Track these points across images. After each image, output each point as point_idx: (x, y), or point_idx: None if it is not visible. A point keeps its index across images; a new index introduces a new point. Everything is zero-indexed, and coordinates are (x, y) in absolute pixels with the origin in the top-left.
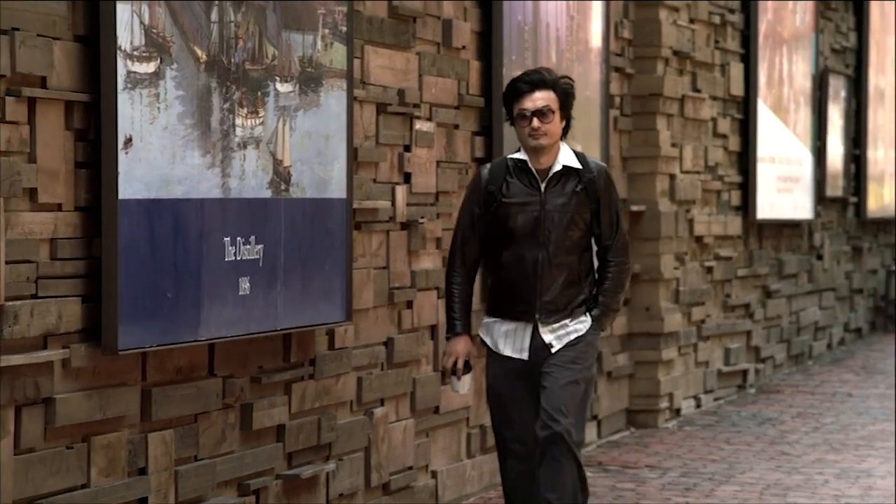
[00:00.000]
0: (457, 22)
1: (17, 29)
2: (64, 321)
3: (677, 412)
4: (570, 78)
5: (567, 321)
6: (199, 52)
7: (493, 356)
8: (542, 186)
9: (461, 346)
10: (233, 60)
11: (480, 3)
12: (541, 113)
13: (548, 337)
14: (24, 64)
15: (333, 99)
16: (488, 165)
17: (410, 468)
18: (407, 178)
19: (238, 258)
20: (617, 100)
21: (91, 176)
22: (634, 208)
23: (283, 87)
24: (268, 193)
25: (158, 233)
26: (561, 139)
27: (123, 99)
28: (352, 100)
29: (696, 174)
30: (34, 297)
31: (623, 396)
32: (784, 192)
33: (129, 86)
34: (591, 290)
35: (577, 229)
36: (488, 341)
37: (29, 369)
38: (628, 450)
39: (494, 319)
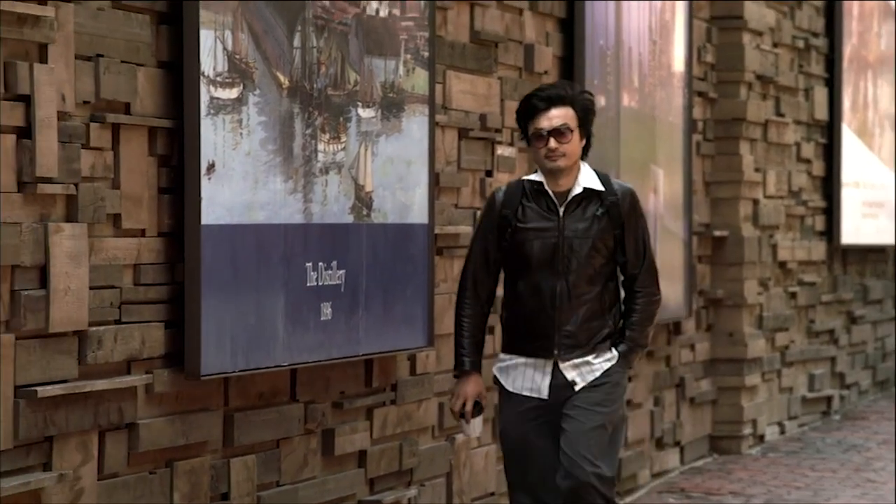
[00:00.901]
0: (539, 47)
1: (102, 55)
2: (147, 346)
3: (761, 438)
4: (589, 93)
5: (590, 357)
6: (281, 77)
7: (507, 396)
8: (561, 210)
9: (471, 386)
10: (315, 86)
11: (563, 27)
12: (558, 132)
13: (570, 374)
14: (109, 90)
15: (415, 124)
16: (503, 188)
17: (492, 494)
18: None
19: (320, 283)
20: (700, 124)
21: (174, 201)
22: (717, 233)
23: (365, 113)
24: (350, 219)
25: (241, 258)
26: (581, 159)
27: (206, 125)
28: (434, 125)
29: (780, 199)
30: (118, 322)
31: (706, 422)
32: (869, 217)
33: (212, 111)
34: (616, 324)
35: (599, 257)
36: (502, 380)
37: (112, 394)
38: (711, 476)
39: (509, 356)
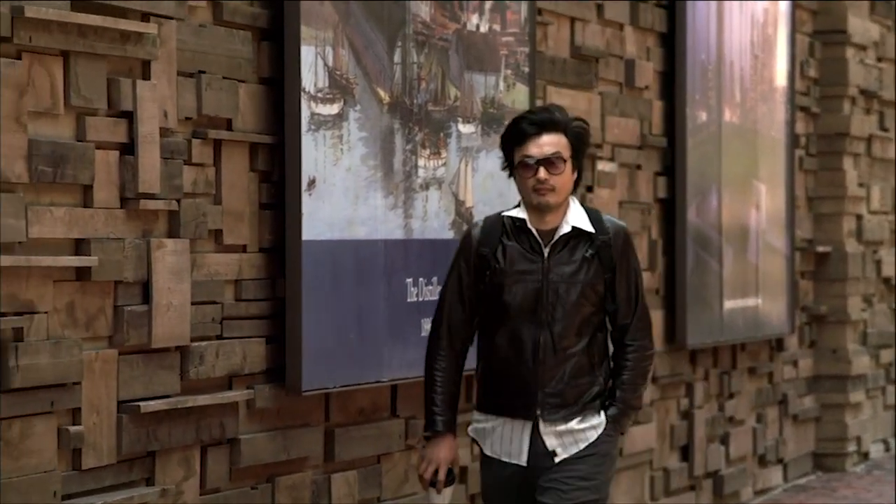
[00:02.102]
0: (639, 62)
1: (204, 72)
2: (248, 362)
3: (865, 456)
4: (584, 121)
5: (576, 422)
6: (382, 93)
7: (486, 459)
8: (546, 252)
9: (444, 450)
10: (415, 102)
11: (663, 42)
12: (549, 162)
13: (551, 441)
14: (210, 106)
15: None
16: (480, 223)
17: None
18: None
19: (420, 299)
20: (802, 139)
21: (275, 217)
22: (820, 249)
23: (465, 128)
24: (450, 234)
25: (341, 274)
26: (570, 194)
27: (307, 140)
28: None
29: (884, 214)
30: (219, 337)
31: (809, 440)
32: None
33: (312, 127)
34: (607, 382)
35: (588, 304)
36: (480, 442)
37: (214, 410)
38: (815, 494)
39: (485, 417)
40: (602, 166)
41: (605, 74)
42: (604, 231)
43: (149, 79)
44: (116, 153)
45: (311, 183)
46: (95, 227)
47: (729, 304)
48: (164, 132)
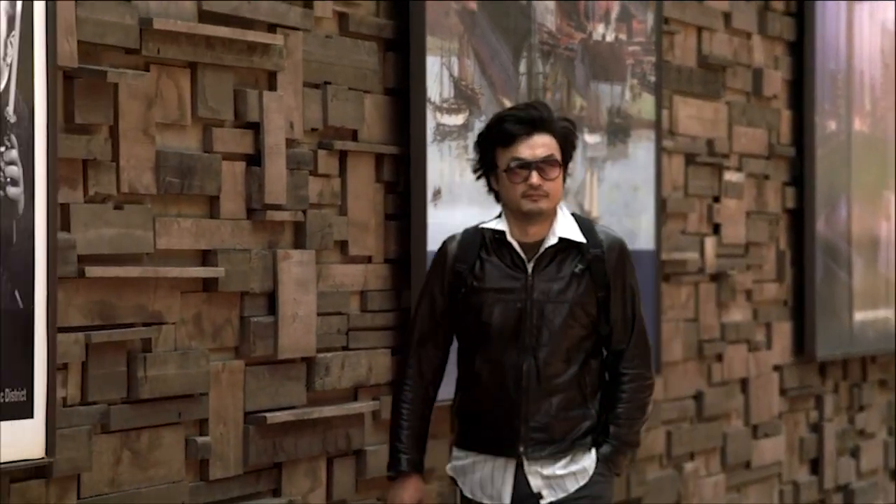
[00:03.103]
0: (767, 71)
1: (329, 83)
2: (374, 373)
3: None
4: (570, 120)
5: (563, 463)
6: (507, 103)
7: (465, 502)
8: (530, 267)
9: (408, 492)
10: None
11: (792, 51)
12: (543, 165)
13: (536, 482)
14: (336, 117)
15: (642, 150)
16: (456, 237)
17: None
18: (716, 229)
19: None
20: None
21: (400, 228)
22: None
23: (591, 138)
24: None
25: None
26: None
27: (433, 151)
28: (660, 150)
29: None
30: (345, 348)
31: None
32: None
33: (438, 138)
34: (600, 415)
35: (578, 326)
36: (459, 482)
37: (340, 421)
38: None
39: (465, 453)
40: (729, 176)
41: (733, 83)
42: (596, 243)
43: (275, 90)
44: (243, 164)
45: (437, 193)
46: (222, 238)
47: (859, 316)
48: (291, 143)
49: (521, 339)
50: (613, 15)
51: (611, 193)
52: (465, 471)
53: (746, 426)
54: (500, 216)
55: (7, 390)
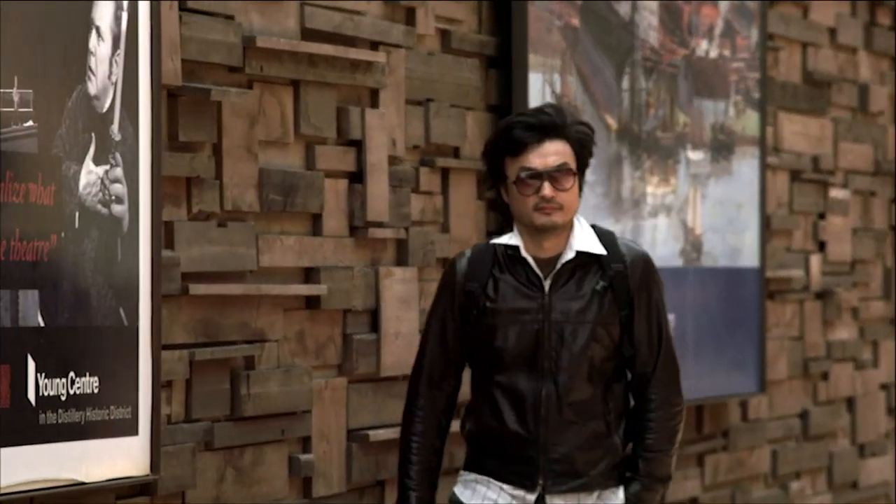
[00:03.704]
0: (873, 86)
1: (431, 100)
2: None
3: None
4: (587, 124)
5: (589, 499)
6: (609, 120)
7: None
8: (546, 285)
9: None
10: (643, 128)
11: None
12: (556, 175)
13: None
14: (438, 134)
15: (746, 166)
16: (466, 254)
17: None
18: (821, 246)
19: None
20: None
21: None
22: None
23: (694, 155)
24: (679, 262)
25: None
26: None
27: None
28: (765, 167)
29: None
30: None
31: None
32: None
33: None
34: (626, 445)
35: (600, 348)
36: (459, 496)
37: None
38: None
39: (475, 477)
40: (835, 193)
41: (838, 99)
42: (618, 258)
43: (377, 107)
44: (345, 182)
45: None
46: (325, 255)
47: None
48: (393, 160)
49: (538, 363)
50: (717, 31)
51: (714, 210)
52: (475, 496)
53: (853, 445)
54: (512, 232)
55: (112, 407)
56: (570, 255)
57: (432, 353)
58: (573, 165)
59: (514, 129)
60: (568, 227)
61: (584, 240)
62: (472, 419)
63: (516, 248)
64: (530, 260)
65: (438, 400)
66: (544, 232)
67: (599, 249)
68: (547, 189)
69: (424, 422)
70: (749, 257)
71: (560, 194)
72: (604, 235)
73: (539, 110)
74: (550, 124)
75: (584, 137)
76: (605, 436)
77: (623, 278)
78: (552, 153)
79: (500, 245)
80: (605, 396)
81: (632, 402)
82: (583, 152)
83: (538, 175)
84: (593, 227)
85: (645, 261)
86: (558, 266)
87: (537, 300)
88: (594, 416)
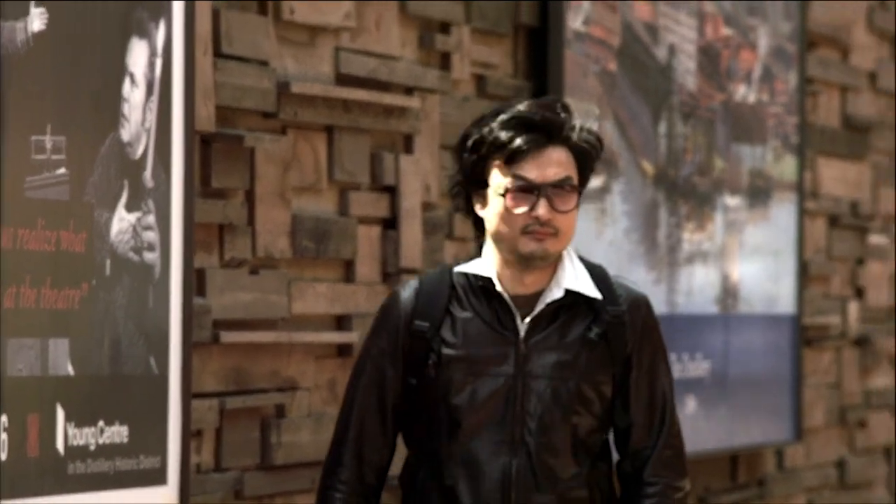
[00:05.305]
0: None
1: None
2: None
3: None
4: (595, 132)
5: None
6: (646, 165)
7: None
8: (523, 329)
9: None
10: (680, 174)
11: None
12: (556, 192)
13: None
14: None
15: (784, 212)
16: (412, 284)
17: None
18: (859, 292)
19: (685, 375)
20: None
21: None
22: None
23: (731, 201)
24: (715, 309)
25: None
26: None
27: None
28: (802, 212)
29: None
30: None
31: None
32: None
33: None
34: None
35: (588, 415)
36: None
37: None
38: None
39: None
40: (873, 239)
41: (877, 144)
42: (614, 300)
43: (412, 153)
44: (378, 228)
45: None
46: (357, 302)
47: None
48: (426, 206)
49: (508, 431)
50: (755, 75)
51: (751, 257)
52: None
53: (891, 495)
54: (478, 257)
55: (142, 456)
56: (556, 293)
57: (363, 410)
58: (576, 180)
59: (508, 125)
60: (556, 258)
61: (574, 276)
62: (416, 498)
63: (489, 280)
64: (506, 296)
65: (367, 475)
66: (529, 262)
67: (593, 292)
68: (543, 208)
69: (347, 495)
70: (785, 304)
71: (558, 217)
72: (596, 272)
73: (544, 105)
74: (557, 125)
75: (591, 148)
76: None
77: (620, 326)
78: (554, 163)
79: (461, 275)
80: (591, 477)
81: (617, 489)
82: (586, 166)
83: (534, 189)
84: (582, 260)
85: (646, 305)
86: (539, 308)
87: (510, 348)
88: (579, 501)
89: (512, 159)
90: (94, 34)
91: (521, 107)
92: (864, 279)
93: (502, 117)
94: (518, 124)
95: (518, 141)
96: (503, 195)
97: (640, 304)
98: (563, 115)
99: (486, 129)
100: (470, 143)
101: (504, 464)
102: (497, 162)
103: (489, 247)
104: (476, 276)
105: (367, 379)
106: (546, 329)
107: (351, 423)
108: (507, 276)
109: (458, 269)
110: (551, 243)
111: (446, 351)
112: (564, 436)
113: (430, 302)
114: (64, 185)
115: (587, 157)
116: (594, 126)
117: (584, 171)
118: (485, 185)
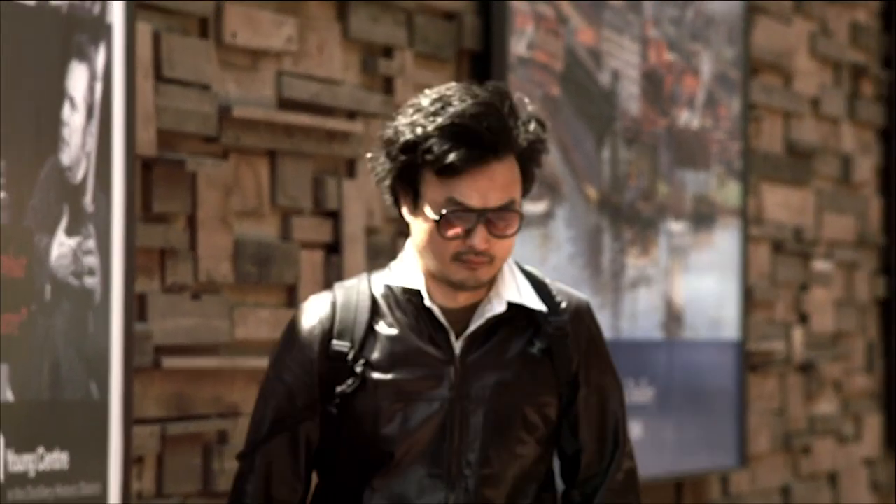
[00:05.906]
0: (857, 157)
1: None
2: None
3: None
4: (540, 120)
5: None
6: (590, 190)
7: None
8: (458, 347)
9: None
10: (624, 199)
11: (880, 137)
12: (496, 219)
13: None
14: None
15: (727, 237)
16: (327, 296)
17: None
18: (803, 319)
19: (630, 400)
20: None
21: None
22: None
23: (675, 226)
24: (659, 335)
25: None
26: None
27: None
28: (746, 238)
29: None
30: None
31: None
32: None
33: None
34: None
35: (532, 442)
36: None
37: None
38: None
39: None
40: (817, 265)
41: (821, 170)
42: (556, 310)
43: (354, 177)
44: (321, 253)
45: None
46: None
47: None
48: (370, 231)
49: (444, 463)
50: (699, 101)
51: (695, 282)
52: None
53: None
54: (403, 261)
55: (82, 483)
56: (498, 307)
57: (270, 447)
58: (519, 197)
59: (446, 135)
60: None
61: (516, 288)
62: None
63: (418, 293)
64: (437, 311)
65: None
66: (459, 288)
67: (537, 304)
68: (479, 238)
69: None
70: (729, 330)
71: (496, 244)
72: (533, 279)
73: (487, 108)
74: (503, 135)
75: (535, 143)
76: None
77: (563, 339)
78: (498, 185)
79: (387, 288)
80: None
81: None
82: (530, 166)
83: (471, 215)
84: (521, 268)
85: (589, 313)
86: (480, 321)
87: (445, 369)
88: None
89: (449, 175)
90: (34, 57)
91: (462, 106)
92: (808, 305)
93: (440, 122)
94: (458, 134)
95: (455, 156)
96: (436, 219)
97: (583, 313)
98: (509, 120)
99: (419, 132)
100: (401, 143)
101: (439, 501)
102: (429, 172)
103: (413, 254)
104: (401, 290)
105: (274, 412)
106: (483, 346)
107: (258, 459)
108: (436, 287)
109: (378, 278)
110: (485, 271)
111: (371, 375)
112: (506, 466)
113: (350, 319)
114: (3, 209)
115: (535, 156)
116: (532, 107)
117: (529, 173)
118: (415, 193)
